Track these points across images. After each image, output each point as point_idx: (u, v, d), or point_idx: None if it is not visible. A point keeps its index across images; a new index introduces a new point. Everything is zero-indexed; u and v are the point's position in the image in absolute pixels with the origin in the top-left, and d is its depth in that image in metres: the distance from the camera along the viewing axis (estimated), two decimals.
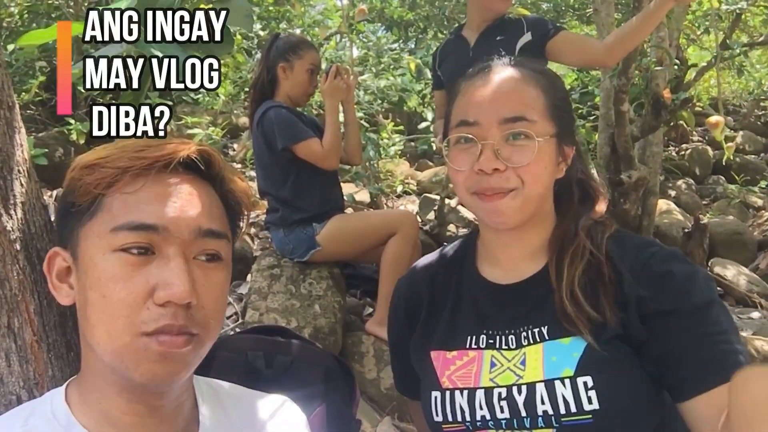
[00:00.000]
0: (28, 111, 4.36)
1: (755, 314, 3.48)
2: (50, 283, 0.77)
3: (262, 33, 5.43)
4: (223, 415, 0.84)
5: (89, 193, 0.72)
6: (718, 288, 3.78)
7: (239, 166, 4.82)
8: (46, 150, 3.33)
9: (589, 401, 0.88)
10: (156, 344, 0.68)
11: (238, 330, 2.44)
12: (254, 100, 2.68)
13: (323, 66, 2.81)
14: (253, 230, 3.54)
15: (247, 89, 4.83)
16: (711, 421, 0.83)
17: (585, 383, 0.89)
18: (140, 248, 0.70)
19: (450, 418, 0.98)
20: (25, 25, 4.68)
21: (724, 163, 5.69)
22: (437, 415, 0.99)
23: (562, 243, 1.01)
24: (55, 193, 3.19)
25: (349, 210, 3.44)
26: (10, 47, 3.91)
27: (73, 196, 0.74)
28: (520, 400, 0.92)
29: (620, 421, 0.89)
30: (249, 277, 2.76)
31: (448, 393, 0.99)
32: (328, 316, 2.44)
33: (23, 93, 3.96)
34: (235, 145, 5.22)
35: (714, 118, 1.86)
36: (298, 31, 5.45)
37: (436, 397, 1.00)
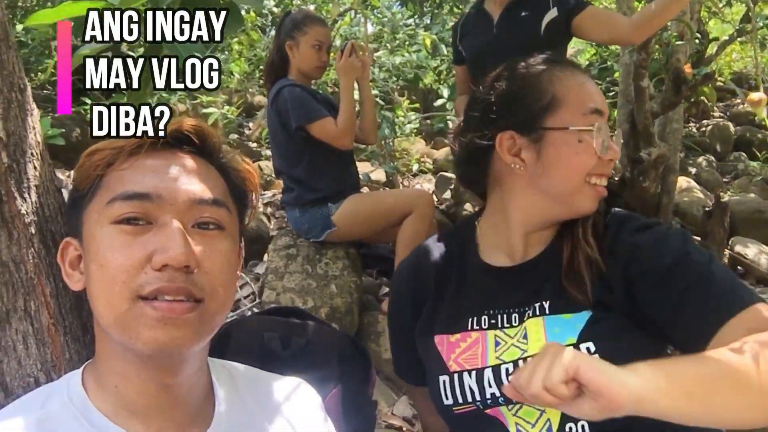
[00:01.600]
0: (45, 91, 4.38)
1: None
2: (63, 272, 0.79)
3: (276, 9, 5.39)
4: (239, 398, 0.84)
5: (89, 176, 0.75)
6: (739, 267, 3.73)
7: (255, 145, 4.82)
8: (63, 130, 3.34)
9: None
10: (151, 309, 0.68)
11: (255, 310, 2.45)
12: (268, 79, 2.68)
13: (337, 43, 2.79)
14: (269, 210, 3.55)
15: (261, 67, 4.81)
16: None
17: (588, 349, 0.91)
18: (136, 219, 0.71)
19: (460, 400, 0.99)
20: (40, 5, 4.68)
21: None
22: (447, 398, 1.00)
23: (564, 225, 1.04)
24: (72, 173, 3.20)
25: (364, 189, 3.43)
26: (19, 27, 3.91)
27: (77, 183, 0.77)
28: None
29: None
30: (266, 256, 2.77)
31: (456, 375, 1.00)
32: (345, 295, 2.45)
33: (39, 73, 3.97)
34: (251, 124, 5.22)
35: (756, 95, 1.77)
36: (312, 8, 5.39)
37: (444, 381, 1.01)
